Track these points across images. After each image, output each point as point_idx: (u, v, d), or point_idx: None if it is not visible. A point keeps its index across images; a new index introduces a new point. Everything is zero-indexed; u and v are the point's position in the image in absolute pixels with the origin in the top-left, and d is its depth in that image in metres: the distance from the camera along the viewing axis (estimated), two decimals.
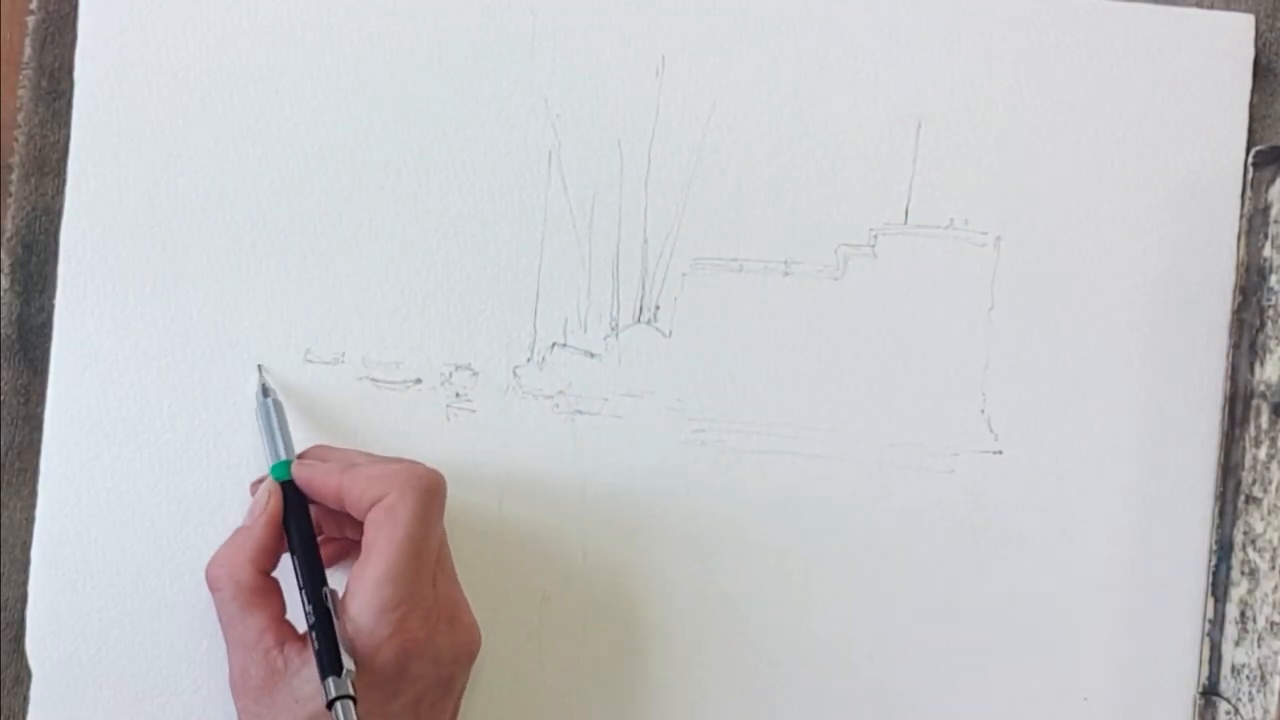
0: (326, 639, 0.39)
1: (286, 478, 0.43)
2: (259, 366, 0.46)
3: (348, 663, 0.38)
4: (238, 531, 0.42)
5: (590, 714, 0.47)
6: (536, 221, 0.47)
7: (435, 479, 0.41)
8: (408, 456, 0.46)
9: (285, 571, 0.42)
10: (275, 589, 0.42)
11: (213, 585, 0.41)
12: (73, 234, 0.46)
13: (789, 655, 0.48)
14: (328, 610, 0.40)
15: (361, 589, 0.40)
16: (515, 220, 0.47)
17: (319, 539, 0.43)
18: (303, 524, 0.42)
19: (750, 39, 0.48)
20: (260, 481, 0.44)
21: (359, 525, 0.41)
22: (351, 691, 0.38)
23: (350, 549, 0.45)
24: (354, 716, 0.38)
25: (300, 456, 0.44)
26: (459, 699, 0.43)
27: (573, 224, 0.47)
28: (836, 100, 0.48)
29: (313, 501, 0.43)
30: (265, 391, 0.45)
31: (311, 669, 0.39)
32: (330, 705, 0.38)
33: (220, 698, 0.46)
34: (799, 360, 0.48)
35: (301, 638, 0.41)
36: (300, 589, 0.41)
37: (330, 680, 0.38)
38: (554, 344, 0.47)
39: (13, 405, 0.46)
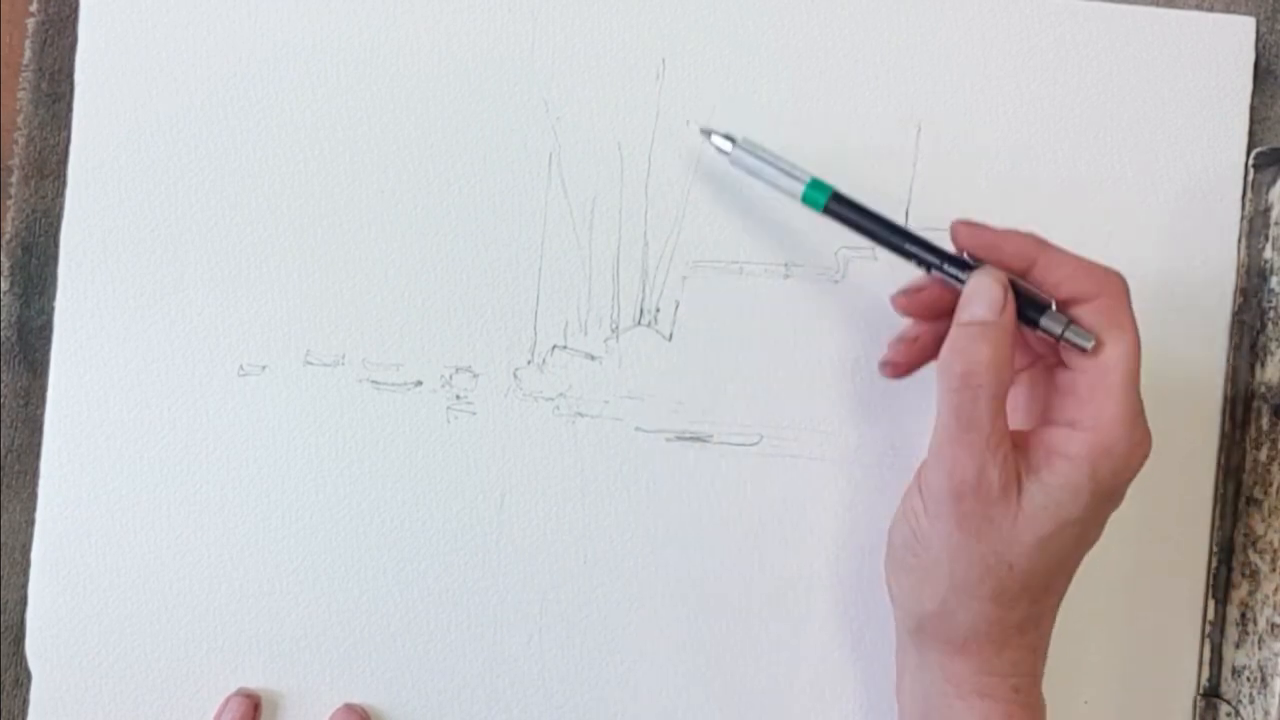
0: None
1: (824, 202, 0.41)
2: (715, 135, 0.43)
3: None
4: (989, 327, 0.39)
5: (590, 715, 0.47)
6: (537, 224, 0.47)
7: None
8: (408, 460, 0.46)
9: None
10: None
11: (970, 380, 0.38)
12: (73, 236, 0.46)
13: (789, 657, 0.48)
14: None
15: (1108, 395, 0.38)
16: (516, 223, 0.47)
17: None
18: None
19: (750, 42, 0.48)
20: (910, 293, 0.42)
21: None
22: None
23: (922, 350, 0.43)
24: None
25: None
26: None
27: (573, 226, 0.47)
28: (836, 103, 0.48)
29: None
30: (730, 139, 0.43)
31: (1062, 478, 0.38)
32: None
33: (218, 697, 0.46)
34: (799, 363, 0.48)
35: (1020, 451, 0.39)
36: None
37: None
38: (554, 346, 0.47)
39: (13, 408, 0.46)
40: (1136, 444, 0.39)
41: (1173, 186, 0.49)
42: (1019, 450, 0.40)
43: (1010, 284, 0.40)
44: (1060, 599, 0.42)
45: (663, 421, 0.47)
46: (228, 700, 0.45)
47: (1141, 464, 0.39)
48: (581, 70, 0.47)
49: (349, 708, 0.46)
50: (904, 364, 0.44)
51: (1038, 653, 0.42)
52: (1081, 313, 0.39)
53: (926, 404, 0.48)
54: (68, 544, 0.46)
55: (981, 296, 0.39)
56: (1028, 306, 0.40)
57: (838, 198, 0.42)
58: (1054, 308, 0.39)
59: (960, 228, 0.41)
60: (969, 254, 0.41)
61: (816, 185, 0.42)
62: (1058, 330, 0.39)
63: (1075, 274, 0.39)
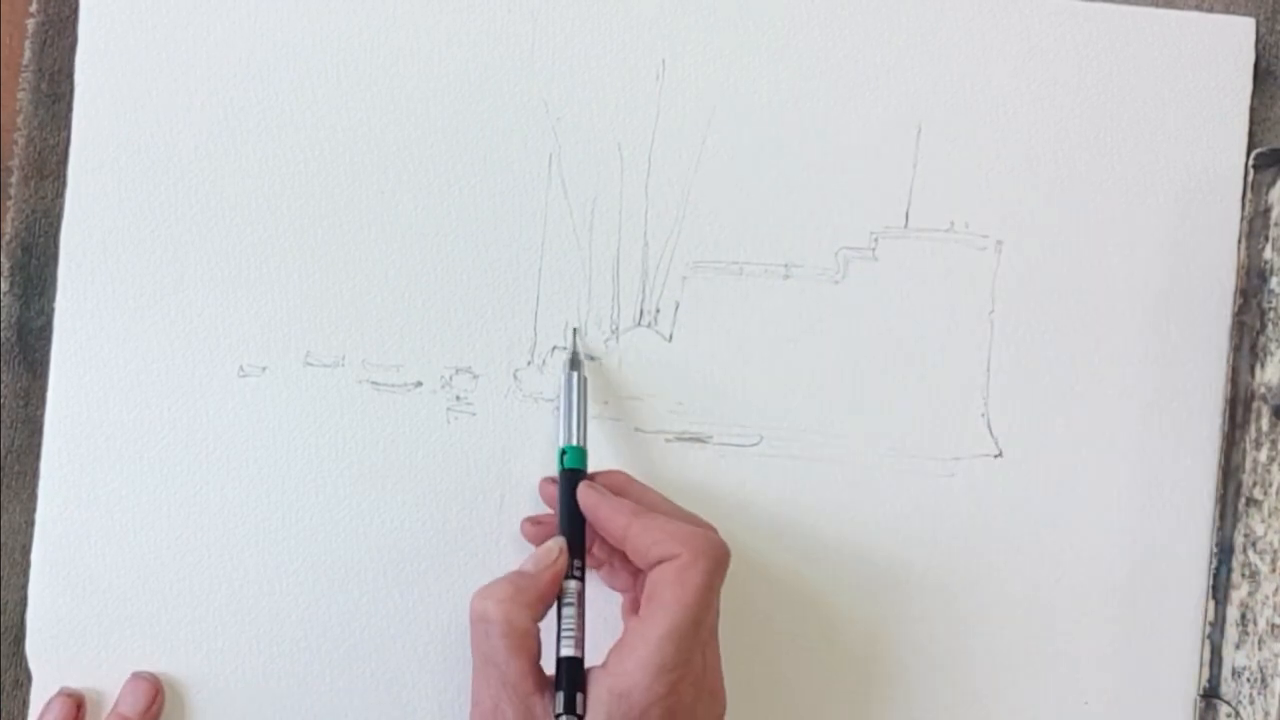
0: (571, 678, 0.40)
1: (574, 465, 0.44)
2: (574, 331, 0.46)
3: (580, 707, 0.40)
4: (519, 575, 0.42)
5: None
6: (537, 225, 0.47)
7: (725, 551, 0.41)
8: (408, 460, 0.46)
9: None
10: (538, 635, 0.41)
11: (482, 618, 0.40)
12: (72, 237, 0.46)
13: (787, 658, 0.48)
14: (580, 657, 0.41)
15: (643, 644, 0.39)
16: (516, 223, 0.47)
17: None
18: (576, 528, 0.43)
19: (751, 43, 0.48)
20: (535, 522, 0.45)
21: (619, 555, 0.42)
22: None
23: (598, 565, 0.45)
24: None
25: (597, 478, 0.44)
26: None
27: (573, 227, 0.47)
28: (837, 103, 0.48)
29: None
30: (574, 363, 0.45)
31: (587, 712, 0.40)
32: None
33: (218, 698, 0.46)
34: (799, 363, 0.48)
35: (554, 685, 0.41)
36: (560, 612, 0.42)
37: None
38: (554, 347, 0.47)
39: (12, 408, 0.46)
40: (657, 698, 0.39)
41: (1173, 187, 0.49)
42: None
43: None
44: None
45: (663, 422, 0.47)
46: (49, 702, 0.45)
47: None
48: (582, 71, 0.47)
49: (138, 676, 0.45)
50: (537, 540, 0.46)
51: None
52: (659, 571, 0.40)
53: (927, 406, 0.48)
54: (68, 545, 0.46)
55: (536, 554, 0.42)
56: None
57: (573, 473, 0.44)
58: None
59: (580, 490, 0.43)
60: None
61: (574, 453, 0.44)
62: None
63: (662, 539, 0.41)
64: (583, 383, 0.45)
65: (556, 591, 0.42)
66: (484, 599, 0.41)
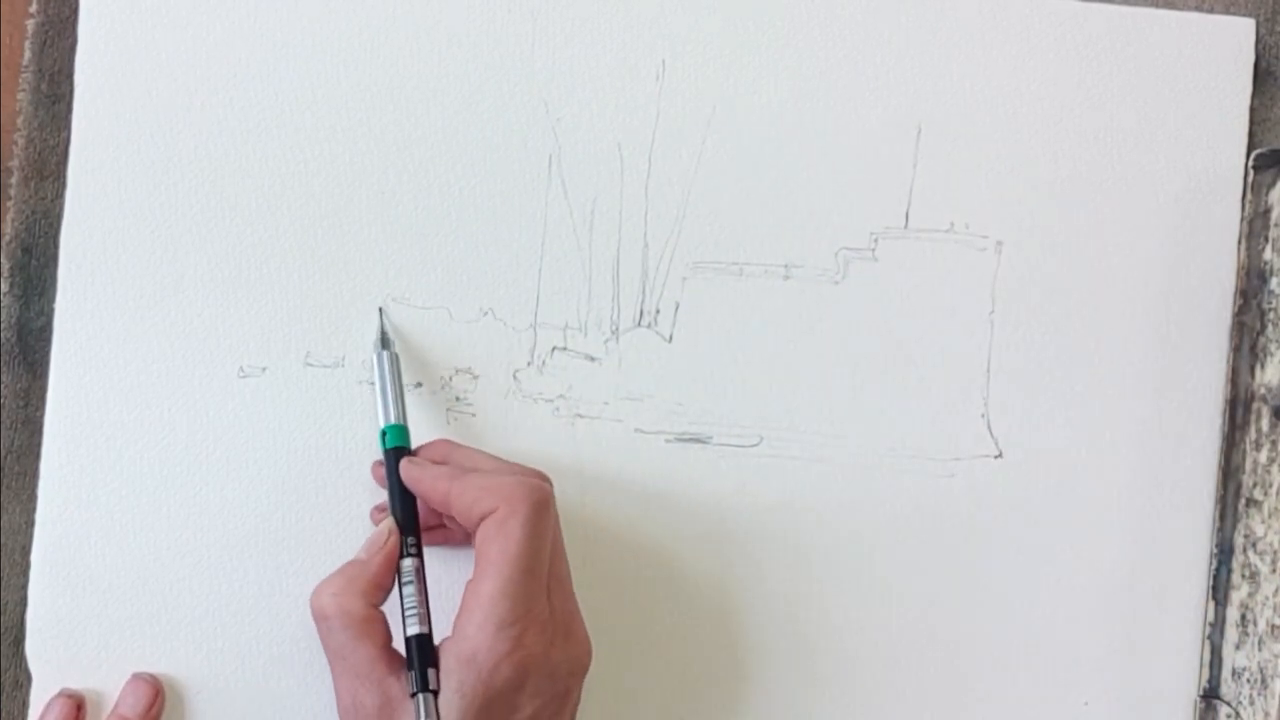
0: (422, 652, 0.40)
1: (397, 444, 0.43)
2: (380, 310, 0.46)
3: (433, 682, 0.39)
4: (350, 564, 0.42)
5: (590, 716, 0.47)
6: (537, 225, 0.47)
7: (544, 493, 0.41)
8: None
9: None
10: (383, 619, 0.42)
11: (320, 615, 0.41)
12: (73, 238, 0.46)
13: (788, 660, 0.48)
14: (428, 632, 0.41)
15: (478, 605, 0.39)
16: (515, 224, 0.47)
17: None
18: (407, 506, 0.43)
19: (751, 43, 0.48)
20: (380, 509, 0.45)
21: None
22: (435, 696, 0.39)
23: (451, 535, 0.45)
24: (434, 712, 0.39)
25: (420, 451, 0.44)
26: (574, 713, 0.43)
27: (573, 228, 0.47)
28: (837, 104, 0.48)
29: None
30: (384, 342, 0.45)
31: (438, 686, 0.39)
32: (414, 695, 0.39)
33: (218, 699, 0.46)
34: (799, 364, 0.48)
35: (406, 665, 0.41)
36: (401, 591, 0.42)
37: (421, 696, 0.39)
38: (554, 348, 0.47)
39: (12, 409, 0.46)
40: (503, 655, 0.39)
41: (1173, 188, 0.49)
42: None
43: None
44: None
45: (662, 423, 0.47)
46: (50, 703, 0.45)
47: (518, 675, 0.39)
48: (582, 71, 0.47)
49: (138, 676, 0.45)
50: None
51: None
52: (482, 528, 0.40)
53: (927, 407, 0.48)
54: (67, 546, 0.46)
55: (367, 540, 0.42)
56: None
57: (397, 451, 0.44)
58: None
59: (401, 466, 0.43)
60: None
61: (394, 431, 0.44)
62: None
63: (480, 496, 0.41)
64: (395, 360, 0.45)
65: (392, 574, 0.42)
66: (319, 596, 0.41)
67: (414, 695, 0.39)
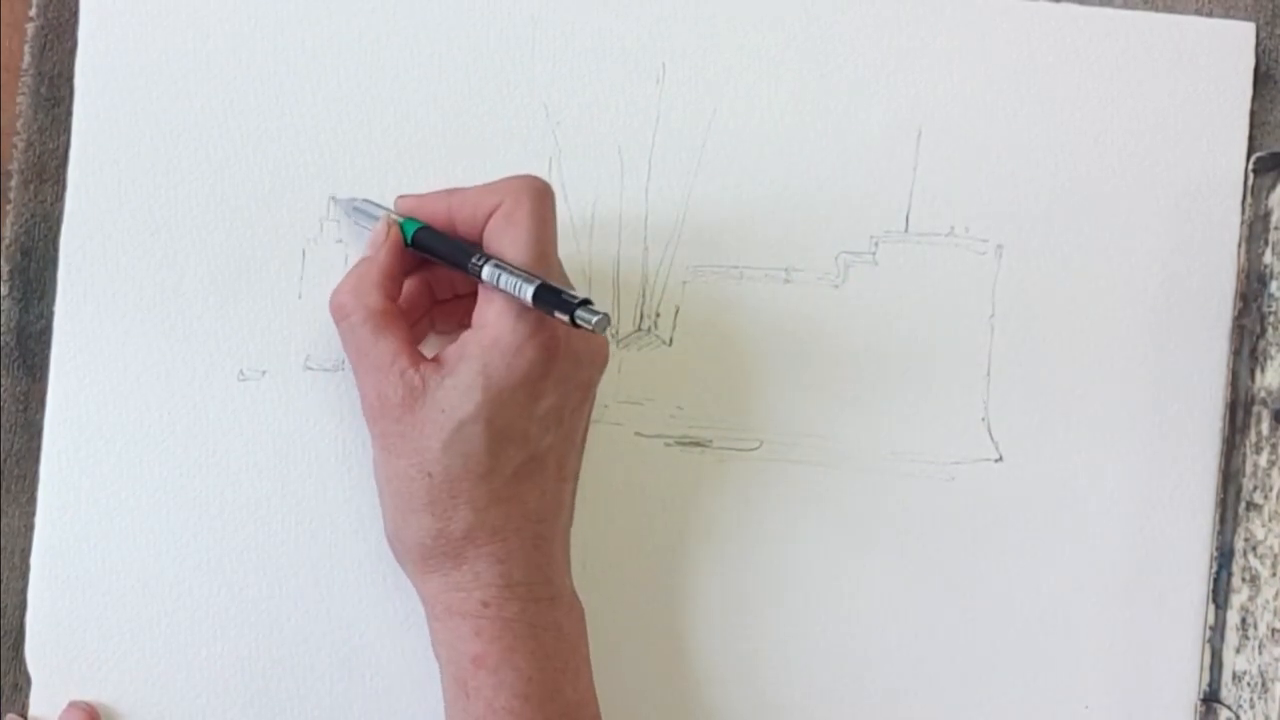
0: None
1: (414, 227, 0.43)
2: (331, 199, 0.46)
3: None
4: (361, 261, 0.42)
5: None
6: None
7: (544, 182, 0.41)
8: None
9: None
10: (402, 315, 0.42)
11: (340, 313, 0.41)
12: (72, 241, 0.46)
13: (788, 662, 0.48)
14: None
15: (497, 293, 0.39)
16: None
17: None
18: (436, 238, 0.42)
19: (751, 47, 0.48)
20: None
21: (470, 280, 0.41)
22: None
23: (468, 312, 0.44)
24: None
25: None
26: (590, 412, 0.43)
27: (573, 231, 0.47)
28: (837, 108, 0.48)
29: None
30: (343, 206, 0.46)
31: (453, 378, 0.39)
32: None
33: (217, 702, 0.46)
34: (800, 368, 0.48)
35: (432, 360, 0.41)
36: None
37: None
38: None
39: (12, 412, 0.46)
40: (526, 337, 0.39)
41: (1173, 191, 0.49)
42: (442, 361, 0.40)
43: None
44: (517, 508, 0.41)
45: (663, 426, 0.47)
46: (62, 716, 0.45)
47: (542, 359, 0.39)
48: (581, 74, 0.47)
49: (74, 705, 0.45)
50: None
51: (507, 563, 0.41)
52: (490, 224, 0.40)
53: (927, 410, 0.48)
54: (67, 549, 0.46)
55: (369, 238, 0.43)
56: (556, 304, 0.38)
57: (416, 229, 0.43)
58: (576, 311, 0.38)
59: (396, 201, 0.44)
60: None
61: (408, 224, 0.43)
62: (567, 319, 0.38)
63: (480, 197, 0.41)
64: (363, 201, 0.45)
65: (401, 263, 0.42)
66: (337, 294, 0.41)
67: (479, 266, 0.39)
